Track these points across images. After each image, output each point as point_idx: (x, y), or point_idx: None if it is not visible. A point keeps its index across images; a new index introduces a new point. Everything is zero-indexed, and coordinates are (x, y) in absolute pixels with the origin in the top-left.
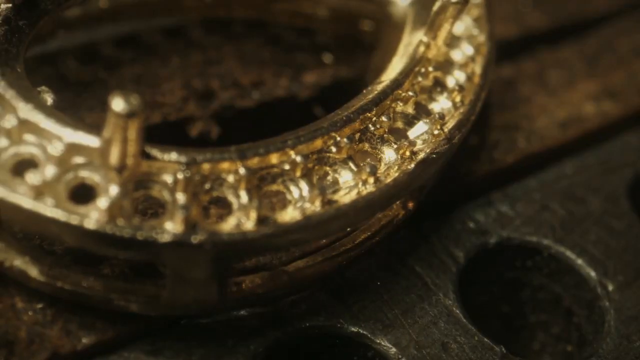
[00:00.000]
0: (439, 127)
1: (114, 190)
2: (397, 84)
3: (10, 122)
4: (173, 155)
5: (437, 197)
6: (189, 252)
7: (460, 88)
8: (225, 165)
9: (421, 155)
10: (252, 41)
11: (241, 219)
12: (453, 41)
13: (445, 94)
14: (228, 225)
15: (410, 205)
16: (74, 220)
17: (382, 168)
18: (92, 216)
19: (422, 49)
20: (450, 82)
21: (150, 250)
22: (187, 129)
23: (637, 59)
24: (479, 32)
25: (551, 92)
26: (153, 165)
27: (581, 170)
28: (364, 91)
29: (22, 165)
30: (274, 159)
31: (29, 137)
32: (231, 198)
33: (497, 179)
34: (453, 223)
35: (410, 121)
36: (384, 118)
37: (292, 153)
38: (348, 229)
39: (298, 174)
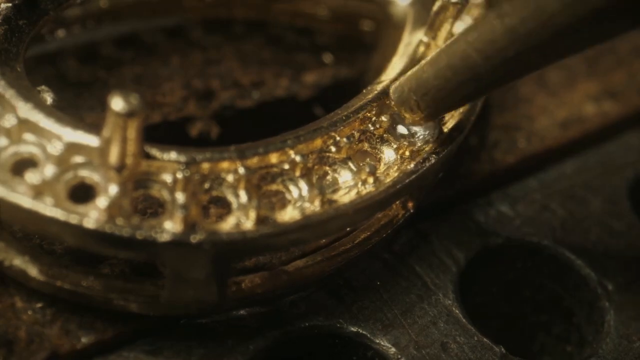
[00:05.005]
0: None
1: (113, 189)
2: None
3: (9, 121)
4: (172, 155)
5: (437, 197)
6: (188, 251)
7: None
8: (224, 164)
9: (421, 155)
10: (252, 41)
11: (240, 219)
12: None
13: None
14: (227, 224)
15: (410, 205)
16: (73, 219)
17: (381, 168)
18: (92, 215)
19: (422, 49)
20: None
21: (150, 249)
22: (187, 128)
23: (637, 59)
24: None
25: (551, 92)
26: (152, 164)
27: (581, 171)
28: (364, 91)
29: (22, 165)
30: (273, 158)
31: (28, 136)
32: (230, 198)
33: (497, 179)
34: (453, 223)
35: None
36: (383, 118)
37: (291, 153)
38: (347, 229)
39: (297, 173)
